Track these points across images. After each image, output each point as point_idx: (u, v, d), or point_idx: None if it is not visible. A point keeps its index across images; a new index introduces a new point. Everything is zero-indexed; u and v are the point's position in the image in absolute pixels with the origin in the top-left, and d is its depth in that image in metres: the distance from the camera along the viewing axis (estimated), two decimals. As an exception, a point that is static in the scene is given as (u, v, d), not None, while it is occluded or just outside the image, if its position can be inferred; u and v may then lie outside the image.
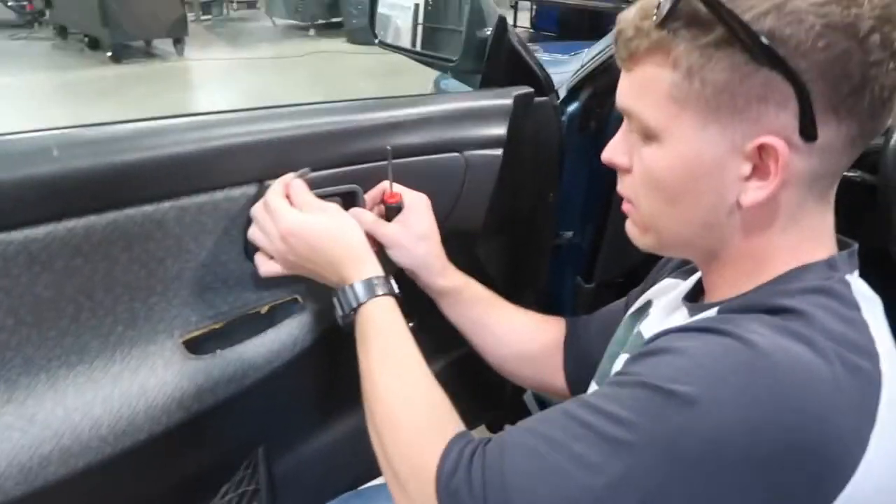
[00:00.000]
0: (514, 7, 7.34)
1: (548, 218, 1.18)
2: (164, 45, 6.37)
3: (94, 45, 6.21)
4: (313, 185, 0.80)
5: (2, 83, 5.40)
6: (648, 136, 0.55)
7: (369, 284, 0.72)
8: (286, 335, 0.89)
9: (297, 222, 0.74)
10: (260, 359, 0.86)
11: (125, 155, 0.70)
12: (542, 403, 1.42)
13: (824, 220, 0.56)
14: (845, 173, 0.55)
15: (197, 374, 0.81)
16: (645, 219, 0.60)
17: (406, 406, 0.64)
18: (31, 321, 0.68)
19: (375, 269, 0.74)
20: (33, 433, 0.69)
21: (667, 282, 0.76)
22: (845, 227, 0.59)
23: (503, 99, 0.98)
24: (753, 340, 0.46)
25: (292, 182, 0.77)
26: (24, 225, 0.64)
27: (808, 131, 0.48)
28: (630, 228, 0.64)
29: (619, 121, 1.12)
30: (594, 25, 6.19)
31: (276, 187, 0.76)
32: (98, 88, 5.35)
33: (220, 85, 5.90)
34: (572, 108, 1.15)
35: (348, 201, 0.86)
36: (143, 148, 0.71)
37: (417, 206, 0.85)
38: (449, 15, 1.15)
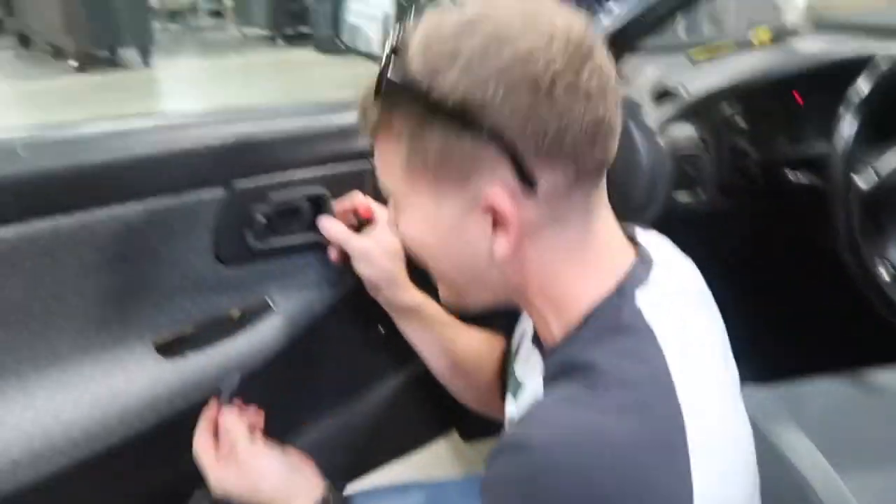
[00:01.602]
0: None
1: None
2: (129, 54, 6.29)
3: (59, 53, 6.11)
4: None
5: (-38, 92, 5.31)
6: (398, 206, 0.59)
7: None
8: (258, 339, 0.89)
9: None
10: (232, 362, 0.87)
11: (92, 155, 0.71)
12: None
13: (599, 248, 0.57)
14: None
15: (169, 377, 0.81)
16: (440, 281, 0.64)
17: None
18: None
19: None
20: (2, 436, 0.69)
21: (525, 317, 0.77)
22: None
23: None
24: (539, 443, 0.46)
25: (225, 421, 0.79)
26: None
27: (527, 182, 0.51)
28: (444, 295, 0.66)
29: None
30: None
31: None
32: (63, 97, 5.27)
33: (185, 94, 5.85)
34: None
35: (315, 205, 0.87)
36: (112, 149, 0.72)
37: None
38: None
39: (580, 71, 0.50)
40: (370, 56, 1.22)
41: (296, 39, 7.37)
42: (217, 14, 8.66)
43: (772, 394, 1.04)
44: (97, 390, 0.76)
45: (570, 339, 0.55)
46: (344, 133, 0.90)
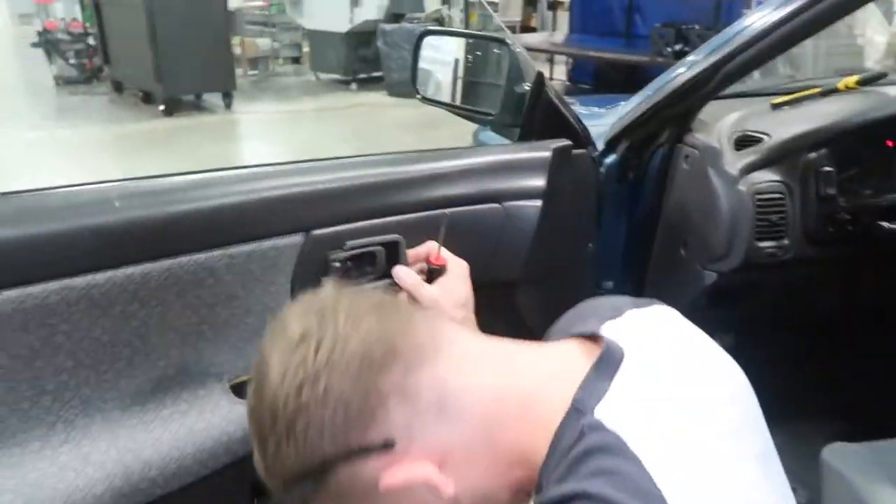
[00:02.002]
0: (551, 61, 7.47)
1: (587, 268, 1.19)
2: (213, 98, 6.64)
3: (148, 99, 6.51)
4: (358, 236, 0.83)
5: (62, 136, 5.69)
6: None
7: None
8: None
9: None
10: None
11: (180, 205, 0.74)
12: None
13: (525, 393, 0.55)
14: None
15: (243, 419, 0.82)
16: None
17: None
18: (89, 363, 0.71)
19: None
20: (87, 473, 0.71)
21: None
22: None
23: (542, 151, 1.01)
24: None
25: None
26: (86, 271, 0.68)
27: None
28: None
29: (657, 171, 1.15)
30: (629, 78, 6.27)
31: None
32: (151, 140, 5.59)
33: (264, 136, 6.11)
34: (610, 159, 1.17)
35: (391, 251, 0.88)
36: (196, 199, 0.75)
37: (460, 273, 0.87)
38: (488, 70, 1.19)
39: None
40: (439, 103, 1.25)
41: (368, 83, 7.61)
42: (295, 60, 9.05)
43: (864, 451, 0.98)
44: (176, 430, 0.77)
45: (545, 478, 0.51)
46: (417, 182, 0.91)
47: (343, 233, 0.84)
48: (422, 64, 1.29)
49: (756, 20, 0.99)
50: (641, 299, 0.65)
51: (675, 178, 1.14)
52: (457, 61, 1.22)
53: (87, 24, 7.31)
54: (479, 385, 0.55)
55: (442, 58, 1.24)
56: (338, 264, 0.84)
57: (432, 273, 0.88)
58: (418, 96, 1.23)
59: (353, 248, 0.85)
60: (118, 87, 7.10)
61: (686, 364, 0.55)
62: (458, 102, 1.20)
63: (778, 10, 0.97)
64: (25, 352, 0.66)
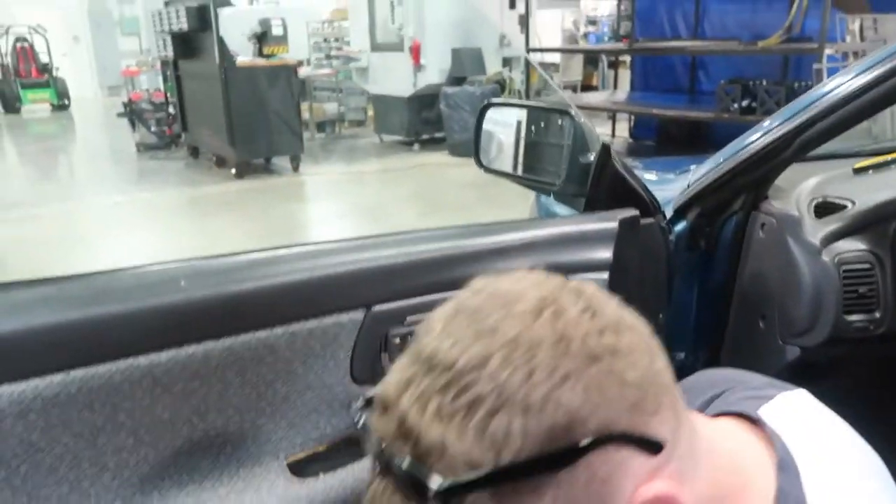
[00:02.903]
0: (613, 118, 7.48)
1: (658, 339, 1.14)
2: (281, 161, 6.90)
3: (221, 162, 6.82)
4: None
5: (143, 198, 6.03)
6: None
7: None
8: None
9: None
10: (362, 484, 0.85)
11: (243, 284, 0.74)
12: None
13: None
14: None
15: (299, 499, 0.80)
16: None
17: None
18: (148, 441, 0.71)
19: None
20: None
21: None
22: None
23: (608, 222, 0.98)
24: None
25: None
26: (150, 351, 0.68)
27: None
28: None
29: (731, 239, 1.10)
30: (693, 135, 6.18)
31: None
32: (223, 202, 5.84)
33: (330, 196, 6.28)
34: (680, 227, 1.13)
35: None
36: (259, 277, 0.75)
37: None
38: (551, 140, 1.18)
39: None
40: (502, 173, 1.24)
41: (430, 144, 7.77)
42: (360, 123, 9.36)
43: None
44: None
45: None
46: (479, 256, 0.89)
47: (404, 308, 0.83)
48: (484, 135, 1.29)
49: (838, 85, 0.95)
50: (777, 380, 0.61)
51: (750, 247, 1.09)
52: (519, 132, 1.21)
53: (169, 94, 7.79)
54: (710, 452, 0.50)
55: (504, 129, 1.24)
56: (398, 340, 0.83)
57: None
58: (481, 168, 1.22)
59: (413, 324, 0.83)
60: (194, 153, 7.49)
61: (843, 444, 0.54)
62: (520, 173, 1.19)
63: (862, 76, 0.92)
64: (88, 430, 0.66)
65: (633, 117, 7.26)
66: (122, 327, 0.67)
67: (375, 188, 6.40)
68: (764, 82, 5.02)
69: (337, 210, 5.73)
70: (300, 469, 0.83)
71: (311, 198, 6.38)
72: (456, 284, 0.87)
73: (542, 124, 1.13)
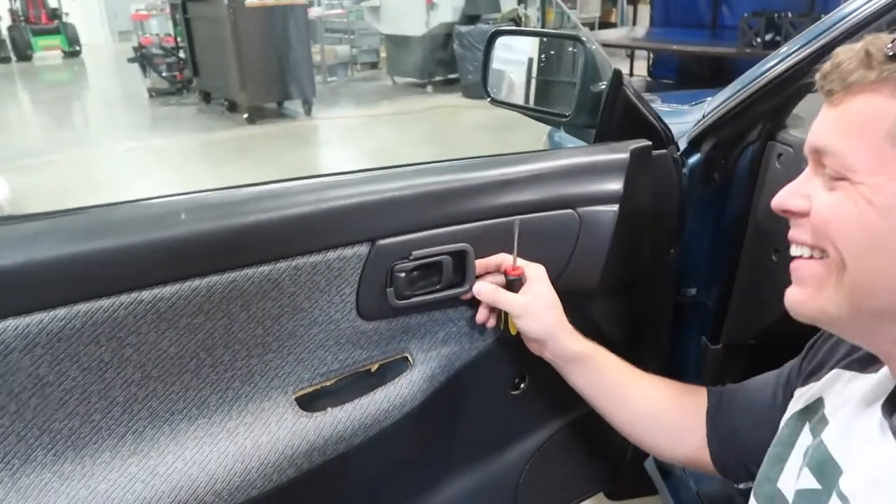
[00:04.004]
0: (631, 56, 7.26)
1: (669, 275, 1.12)
2: (293, 105, 6.83)
3: (233, 107, 6.76)
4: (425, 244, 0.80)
5: (156, 144, 6.01)
6: (845, 177, 0.50)
7: None
8: (396, 394, 0.88)
9: None
10: (369, 419, 0.86)
11: (246, 217, 0.73)
12: (664, 472, 1.32)
13: None
14: None
15: (308, 432, 0.81)
16: (842, 278, 0.52)
17: None
18: (156, 375, 0.71)
19: None
20: (154, 485, 0.71)
21: (836, 374, 0.65)
22: None
23: (619, 153, 0.95)
24: None
25: None
26: (153, 285, 0.68)
27: None
28: (796, 295, 0.57)
29: (746, 171, 1.07)
30: (715, 72, 5.99)
31: None
32: (235, 147, 5.81)
33: (343, 141, 6.22)
34: (694, 159, 1.09)
35: (458, 261, 0.85)
36: (262, 210, 0.74)
37: (540, 276, 0.88)
38: (562, 69, 1.14)
39: None
40: (511, 105, 1.21)
41: (444, 86, 7.63)
42: (373, 65, 9.20)
43: None
44: (241, 443, 0.77)
45: None
46: (486, 189, 0.87)
47: (409, 242, 0.82)
48: (493, 65, 1.25)
49: (859, 6, 0.90)
50: None
51: (766, 179, 1.05)
52: (530, 62, 1.17)
53: (179, 39, 7.67)
54: None
55: (514, 58, 1.20)
56: (403, 275, 0.82)
57: (511, 284, 0.87)
58: (489, 99, 1.19)
59: (418, 259, 0.82)
60: (206, 98, 7.42)
61: None
62: (530, 104, 1.15)
63: None
64: (96, 364, 0.67)
65: (651, 55, 7.05)
66: (123, 261, 0.66)
67: (389, 132, 6.33)
68: (789, 14, 4.82)
69: (350, 155, 5.68)
70: (308, 403, 0.83)
71: (323, 142, 6.33)
72: (462, 218, 0.86)
73: (553, 52, 1.09)
